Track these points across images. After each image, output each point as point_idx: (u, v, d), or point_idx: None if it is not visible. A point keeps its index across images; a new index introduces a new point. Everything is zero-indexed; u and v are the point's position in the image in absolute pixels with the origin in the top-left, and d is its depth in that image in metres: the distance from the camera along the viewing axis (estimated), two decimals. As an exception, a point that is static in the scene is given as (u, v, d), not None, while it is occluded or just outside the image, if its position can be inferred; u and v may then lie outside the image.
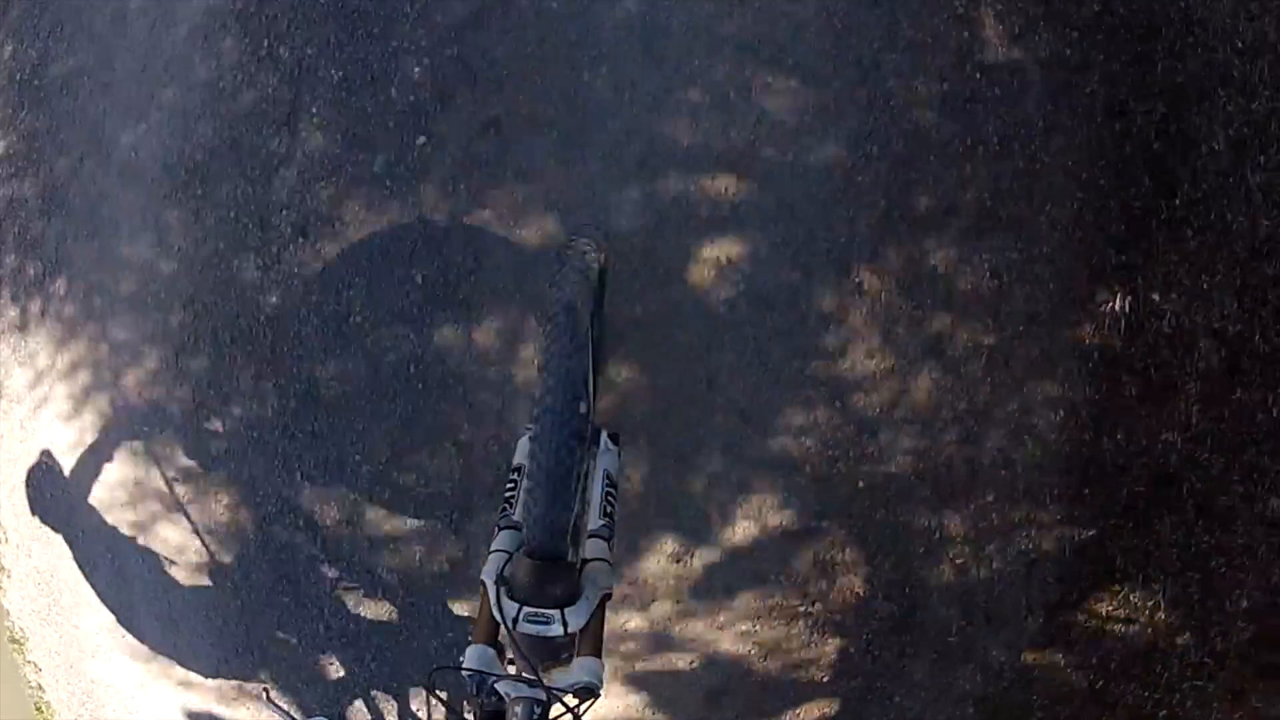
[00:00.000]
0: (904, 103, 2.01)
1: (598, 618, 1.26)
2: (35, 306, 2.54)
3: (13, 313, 2.58)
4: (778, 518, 2.16)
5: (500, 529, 1.39)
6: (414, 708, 2.42)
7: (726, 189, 2.05)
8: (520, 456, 1.54)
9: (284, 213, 2.24)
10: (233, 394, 2.34)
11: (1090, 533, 2.13)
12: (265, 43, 2.24)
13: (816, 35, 2.02)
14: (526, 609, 1.21)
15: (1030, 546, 2.14)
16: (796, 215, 2.05)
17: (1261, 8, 1.98)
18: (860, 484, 2.13)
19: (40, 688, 2.89)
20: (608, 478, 1.50)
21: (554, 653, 1.25)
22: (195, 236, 2.31)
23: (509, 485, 1.48)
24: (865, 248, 2.04)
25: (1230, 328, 2.04)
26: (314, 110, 2.20)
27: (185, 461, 2.42)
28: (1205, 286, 2.04)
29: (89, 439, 2.53)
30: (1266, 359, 2.04)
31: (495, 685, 1.19)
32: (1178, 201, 2.02)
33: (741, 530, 2.18)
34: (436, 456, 2.24)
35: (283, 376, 2.30)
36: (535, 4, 2.09)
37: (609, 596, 1.29)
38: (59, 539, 2.64)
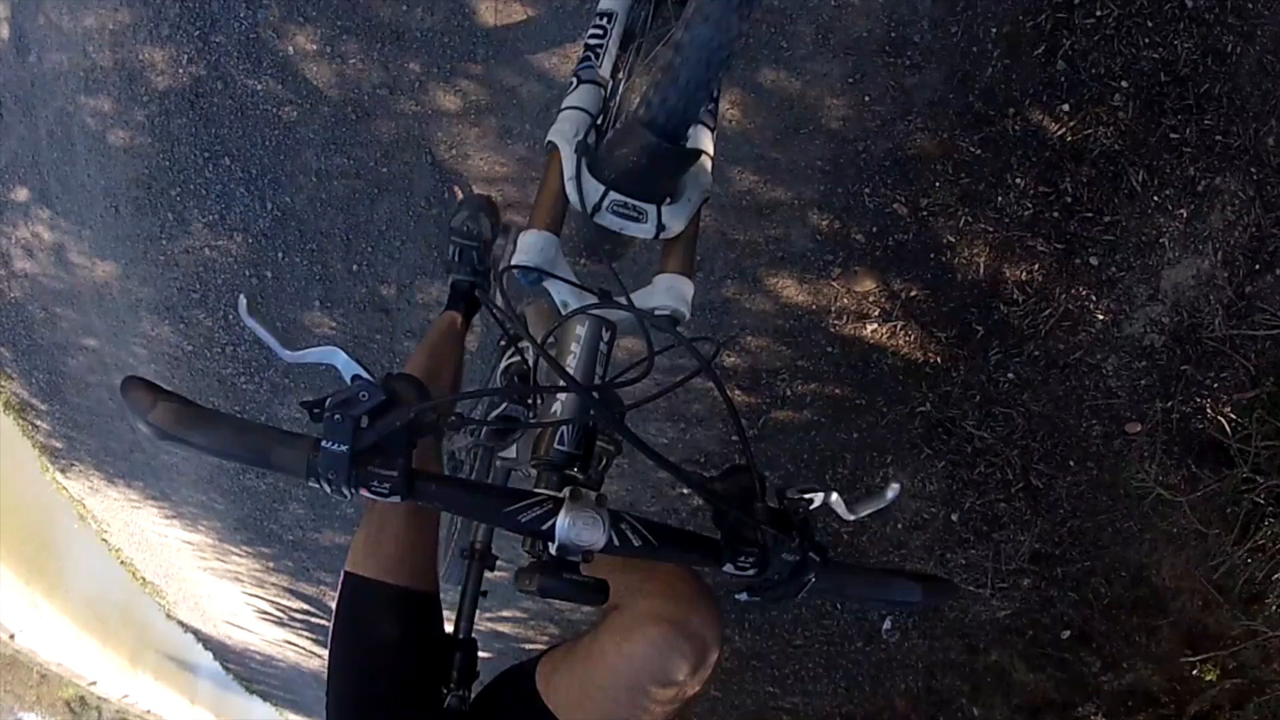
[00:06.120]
0: None
1: (694, 227, 0.95)
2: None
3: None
4: None
5: (581, 82, 1.04)
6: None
7: None
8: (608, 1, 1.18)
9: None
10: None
11: None
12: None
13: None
14: (614, 195, 0.89)
15: None
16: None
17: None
18: None
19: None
20: None
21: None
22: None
23: (595, 31, 1.13)
24: None
25: None
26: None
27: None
28: None
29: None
30: None
31: (549, 287, 0.90)
32: None
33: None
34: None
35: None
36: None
37: (707, 200, 0.97)
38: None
